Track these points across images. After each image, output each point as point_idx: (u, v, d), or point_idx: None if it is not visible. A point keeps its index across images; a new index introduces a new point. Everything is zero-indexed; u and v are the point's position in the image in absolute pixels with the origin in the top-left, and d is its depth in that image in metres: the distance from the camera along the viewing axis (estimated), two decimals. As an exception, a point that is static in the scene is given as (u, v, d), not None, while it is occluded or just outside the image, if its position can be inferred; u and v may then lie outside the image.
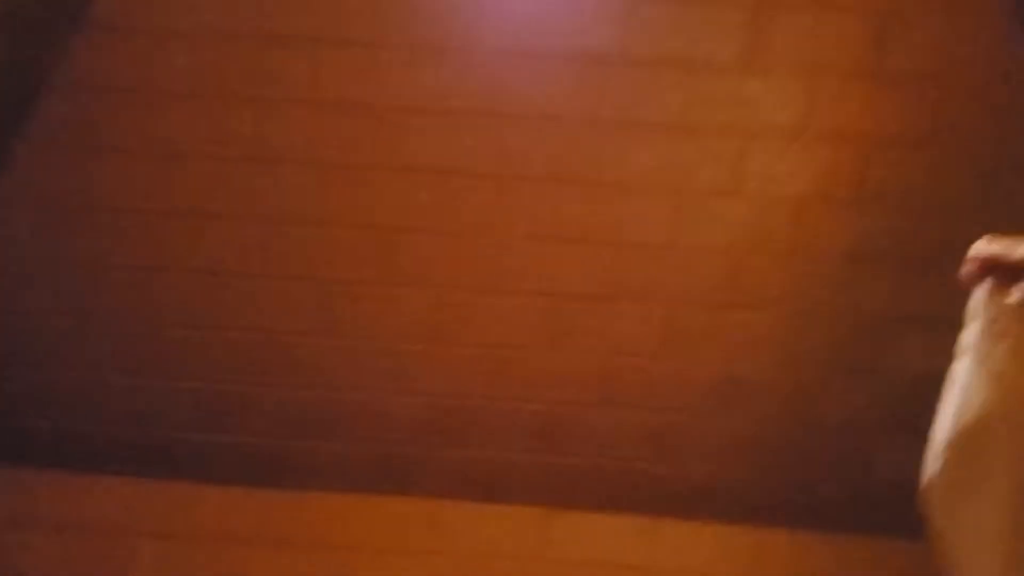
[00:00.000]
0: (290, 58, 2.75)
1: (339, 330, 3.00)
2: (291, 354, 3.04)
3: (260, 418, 3.12)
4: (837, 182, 2.82)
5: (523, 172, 2.84)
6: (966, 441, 1.44)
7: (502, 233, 2.89)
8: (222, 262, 2.95)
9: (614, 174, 2.84)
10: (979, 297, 1.52)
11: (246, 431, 3.14)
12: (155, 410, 3.13)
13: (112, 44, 2.72)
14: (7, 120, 2.78)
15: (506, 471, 3.14)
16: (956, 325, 1.75)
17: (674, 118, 2.79)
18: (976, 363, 1.49)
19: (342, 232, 2.90)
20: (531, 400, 3.06)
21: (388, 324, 2.98)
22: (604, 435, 3.08)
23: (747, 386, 3.00)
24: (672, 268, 2.90)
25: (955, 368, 1.53)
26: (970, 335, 1.53)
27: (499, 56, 2.77)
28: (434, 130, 2.80)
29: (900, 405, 3.02)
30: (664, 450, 3.09)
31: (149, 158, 2.85)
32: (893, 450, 3.06)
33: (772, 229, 2.86)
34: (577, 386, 3.04)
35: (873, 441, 3.10)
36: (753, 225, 2.86)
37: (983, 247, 1.51)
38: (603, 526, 3.13)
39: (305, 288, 2.97)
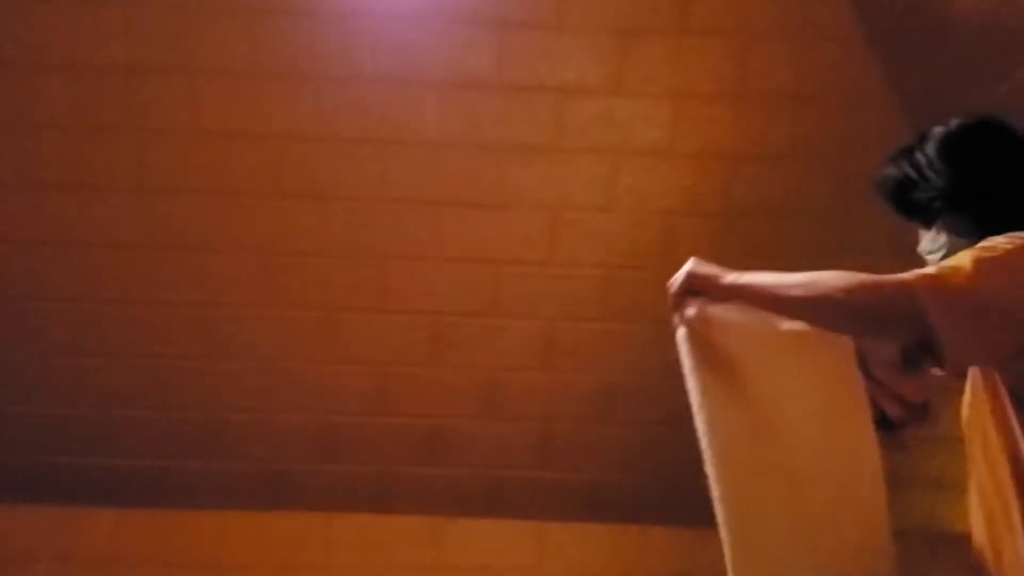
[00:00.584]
0: (168, 89, 2.77)
1: (223, 352, 3.04)
2: (175, 375, 3.06)
3: (146, 440, 3.14)
4: (704, 197, 2.95)
5: (403, 195, 2.91)
6: None
7: (384, 254, 2.95)
8: (102, 288, 2.96)
9: (492, 195, 2.92)
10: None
11: (134, 454, 3.15)
12: (40, 437, 3.13)
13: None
14: None
15: (396, 483, 3.22)
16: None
17: (548, 139, 2.89)
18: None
19: (225, 257, 2.93)
20: (417, 414, 3.14)
21: (272, 344, 3.03)
22: (489, 445, 3.18)
23: (624, 393, 3.13)
24: (550, 283, 3.00)
25: None
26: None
27: (377, 84, 2.83)
28: (314, 156, 2.85)
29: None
30: (548, 456, 3.20)
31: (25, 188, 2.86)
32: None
33: (643, 243, 2.98)
34: (462, 399, 3.13)
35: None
36: (625, 240, 2.98)
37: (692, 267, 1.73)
38: (493, 532, 3.24)
39: (189, 311, 3.00)
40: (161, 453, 3.16)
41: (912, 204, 1.69)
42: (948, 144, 1.66)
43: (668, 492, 3.24)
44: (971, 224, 1.60)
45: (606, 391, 3.12)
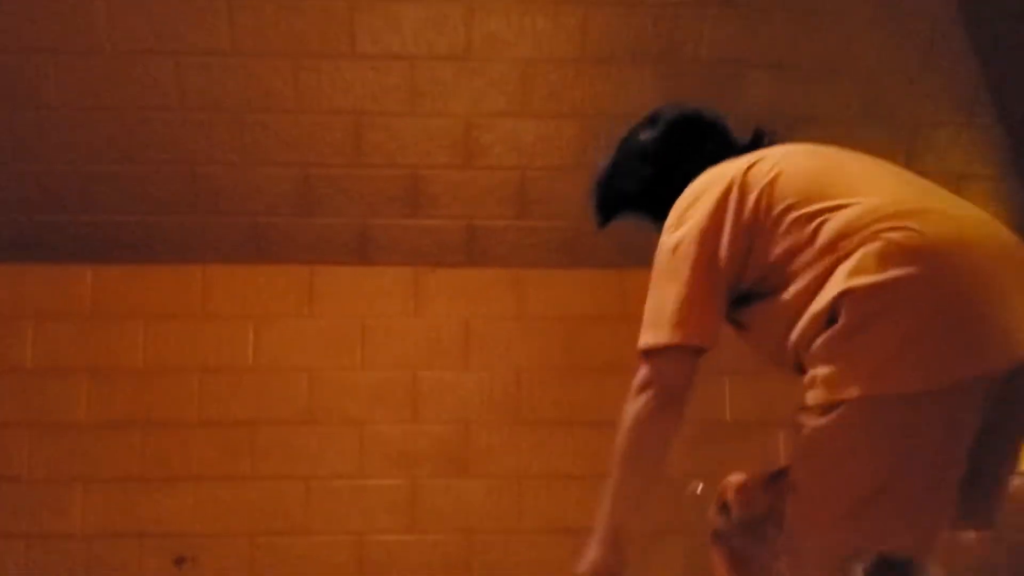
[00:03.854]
0: None
1: (194, 103, 2.96)
2: (147, 128, 3.00)
3: (124, 195, 3.11)
4: None
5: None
6: None
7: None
8: (69, 41, 2.85)
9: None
10: None
11: (113, 209, 3.13)
12: (16, 194, 3.10)
13: None
14: None
15: (376, 234, 3.22)
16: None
17: None
18: None
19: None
20: (395, 164, 3.11)
21: (242, 94, 2.95)
22: (469, 194, 3.17)
23: (605, 133, 3.08)
24: (527, 21, 2.91)
25: None
26: None
27: None
28: None
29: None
30: (526, 204, 3.20)
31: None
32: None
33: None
34: (438, 148, 3.09)
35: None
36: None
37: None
38: (472, 280, 3.27)
39: (156, 61, 2.90)
40: (139, 209, 3.14)
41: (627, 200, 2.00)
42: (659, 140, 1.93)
43: (647, 235, 3.27)
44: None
45: (587, 134, 3.08)
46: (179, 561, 3.11)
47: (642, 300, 3.23)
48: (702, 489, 2.06)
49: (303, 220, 3.18)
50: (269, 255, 3.22)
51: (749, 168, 1.69)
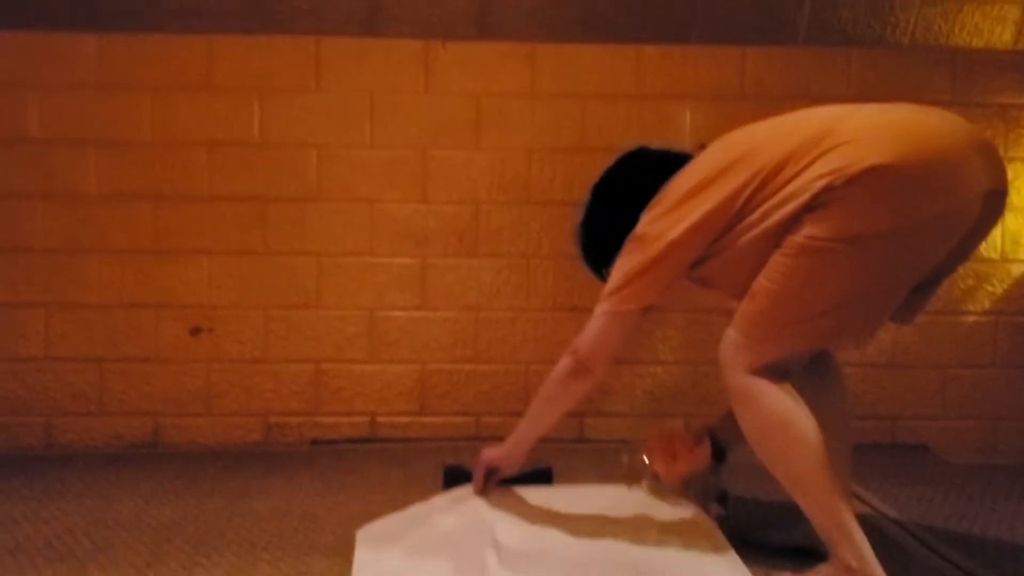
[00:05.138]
0: None
1: None
2: None
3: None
4: None
5: None
6: None
7: None
8: None
9: None
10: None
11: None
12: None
13: None
14: None
15: (386, 4, 3.10)
16: None
17: None
18: None
19: None
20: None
21: None
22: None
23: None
24: None
25: None
26: None
27: None
28: None
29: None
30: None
31: None
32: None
33: None
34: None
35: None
36: None
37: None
38: (484, 54, 3.18)
39: None
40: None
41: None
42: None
43: (661, 10, 3.14)
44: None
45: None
46: (195, 331, 3.19)
47: (657, 76, 3.17)
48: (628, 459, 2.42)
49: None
50: (274, 24, 3.12)
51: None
